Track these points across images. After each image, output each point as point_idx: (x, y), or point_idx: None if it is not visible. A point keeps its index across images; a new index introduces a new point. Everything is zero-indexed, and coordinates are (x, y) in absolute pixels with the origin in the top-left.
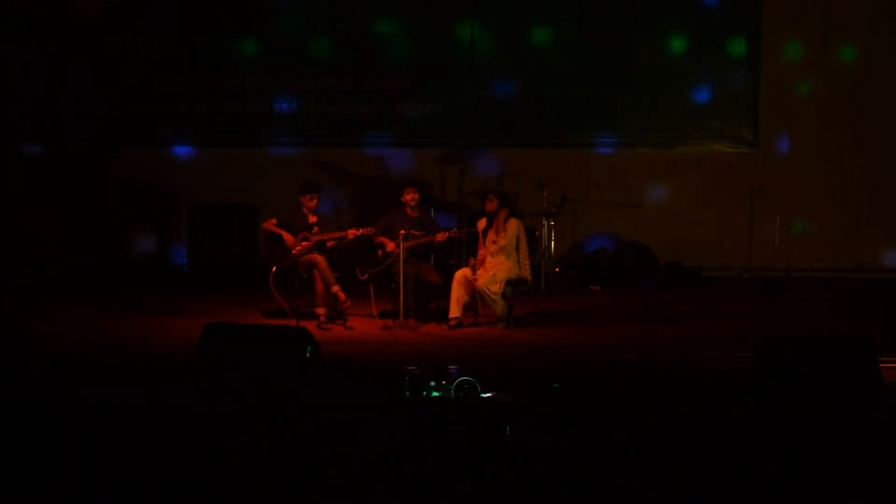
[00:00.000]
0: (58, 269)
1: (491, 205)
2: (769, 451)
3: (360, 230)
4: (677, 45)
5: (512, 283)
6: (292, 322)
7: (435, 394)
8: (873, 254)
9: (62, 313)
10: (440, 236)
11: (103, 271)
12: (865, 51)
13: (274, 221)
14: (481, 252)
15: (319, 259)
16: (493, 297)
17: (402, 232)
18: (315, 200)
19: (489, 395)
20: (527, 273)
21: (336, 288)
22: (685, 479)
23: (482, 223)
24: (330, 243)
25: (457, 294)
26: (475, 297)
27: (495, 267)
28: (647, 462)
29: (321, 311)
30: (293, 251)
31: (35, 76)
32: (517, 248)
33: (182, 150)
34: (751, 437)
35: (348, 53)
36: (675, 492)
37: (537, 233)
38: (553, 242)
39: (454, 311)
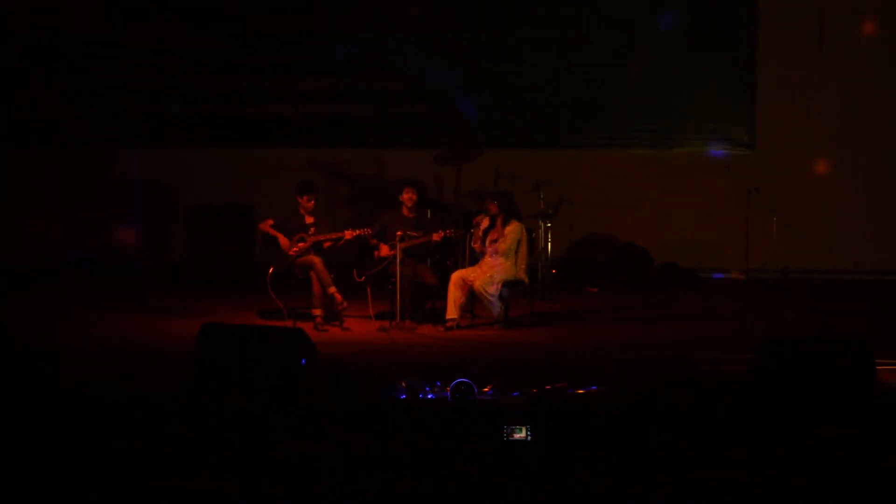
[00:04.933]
0: (55, 269)
1: (492, 208)
2: (767, 451)
3: (357, 231)
4: (674, 45)
5: (509, 285)
6: (289, 323)
7: (431, 395)
8: (870, 254)
9: (59, 313)
10: (436, 236)
11: (101, 271)
12: (862, 51)
13: (270, 222)
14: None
15: (316, 260)
16: (490, 298)
17: (399, 233)
18: (312, 201)
19: (486, 396)
20: (523, 274)
21: (333, 289)
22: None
23: (485, 222)
24: (326, 244)
25: (454, 296)
26: (471, 299)
27: (493, 268)
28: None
29: (318, 312)
30: (290, 252)
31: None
32: (516, 251)
33: (179, 150)
34: (748, 438)
35: (346, 54)
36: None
37: (534, 234)
38: (550, 244)
39: (451, 313)
